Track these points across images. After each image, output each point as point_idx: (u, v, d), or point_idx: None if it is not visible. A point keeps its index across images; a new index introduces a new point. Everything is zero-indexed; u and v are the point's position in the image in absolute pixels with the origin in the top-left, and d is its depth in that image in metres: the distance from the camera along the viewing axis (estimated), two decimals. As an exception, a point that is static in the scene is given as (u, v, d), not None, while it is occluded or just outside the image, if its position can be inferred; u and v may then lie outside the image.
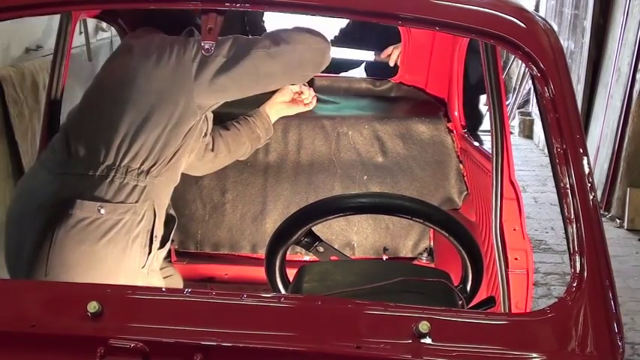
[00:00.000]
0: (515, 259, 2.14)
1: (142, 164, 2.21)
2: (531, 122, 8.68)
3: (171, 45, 2.25)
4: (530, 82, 7.33)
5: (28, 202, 2.21)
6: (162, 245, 2.34)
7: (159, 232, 2.29)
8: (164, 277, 2.48)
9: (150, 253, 2.25)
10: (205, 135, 2.53)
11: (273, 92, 2.87)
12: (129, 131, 2.19)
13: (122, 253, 2.18)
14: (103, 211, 2.14)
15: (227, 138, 2.73)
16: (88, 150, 2.20)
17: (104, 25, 4.75)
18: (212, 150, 2.68)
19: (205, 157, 2.68)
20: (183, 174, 2.56)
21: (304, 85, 2.88)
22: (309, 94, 2.90)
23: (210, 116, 2.52)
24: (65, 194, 2.15)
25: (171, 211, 2.48)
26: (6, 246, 2.27)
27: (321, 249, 2.06)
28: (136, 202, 2.20)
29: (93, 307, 1.33)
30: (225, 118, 2.79)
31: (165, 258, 2.57)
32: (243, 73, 2.25)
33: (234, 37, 2.28)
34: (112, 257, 2.16)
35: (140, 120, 2.20)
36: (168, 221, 2.41)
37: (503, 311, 2.04)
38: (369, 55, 3.38)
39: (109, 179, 2.17)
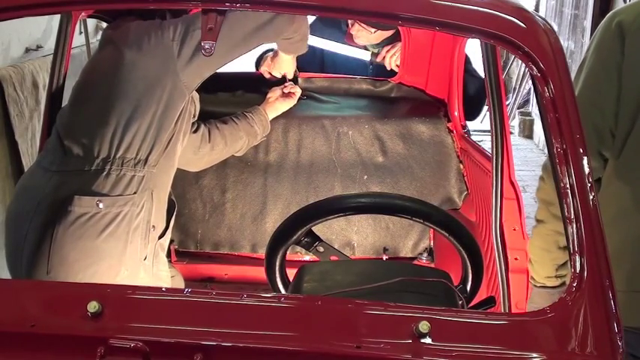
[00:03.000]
0: (515, 259, 2.14)
1: (137, 153, 2.20)
2: (531, 122, 8.68)
3: (148, 30, 2.23)
4: (530, 82, 7.32)
5: (27, 201, 2.21)
6: (163, 234, 2.34)
7: (157, 221, 2.29)
8: (165, 278, 2.48)
9: (149, 242, 2.25)
10: (195, 116, 2.53)
11: (266, 94, 2.92)
12: (120, 121, 2.18)
13: (123, 245, 2.17)
14: (101, 205, 2.14)
15: (224, 131, 2.74)
16: (82, 146, 2.20)
17: (104, 25, 4.75)
18: (209, 141, 2.69)
19: (202, 150, 2.68)
20: (182, 172, 2.55)
21: (285, 78, 2.97)
22: (290, 86, 2.97)
23: (197, 97, 2.52)
24: (63, 191, 2.15)
25: (172, 197, 2.48)
26: (7, 246, 2.27)
27: (321, 249, 2.06)
28: (135, 193, 2.19)
29: (93, 306, 1.33)
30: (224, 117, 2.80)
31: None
32: (219, 40, 2.18)
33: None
34: (114, 251, 2.16)
35: (130, 109, 2.19)
36: (169, 208, 2.40)
37: (503, 311, 2.04)
38: (365, 55, 3.37)
39: (105, 172, 2.17)
